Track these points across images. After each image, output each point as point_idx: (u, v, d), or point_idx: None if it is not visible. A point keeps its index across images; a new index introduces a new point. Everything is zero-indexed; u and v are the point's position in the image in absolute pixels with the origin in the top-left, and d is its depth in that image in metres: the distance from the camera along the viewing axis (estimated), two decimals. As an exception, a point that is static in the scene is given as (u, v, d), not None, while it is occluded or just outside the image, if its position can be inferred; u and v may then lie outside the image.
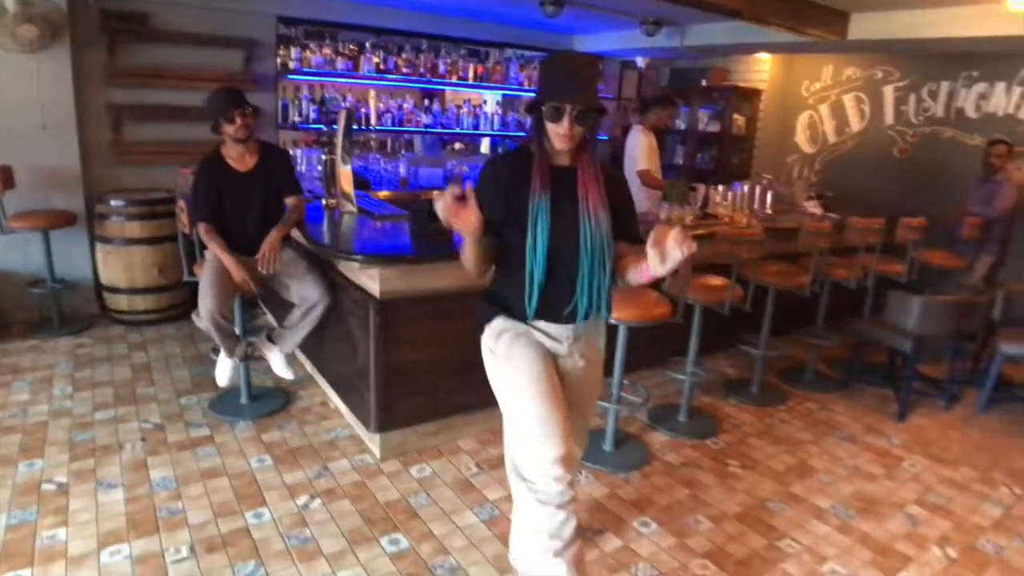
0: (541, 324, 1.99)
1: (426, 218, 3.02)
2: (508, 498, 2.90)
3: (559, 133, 1.81)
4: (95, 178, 4.72)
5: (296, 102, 5.34)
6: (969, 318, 4.21)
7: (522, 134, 6.82)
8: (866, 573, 2.66)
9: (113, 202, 4.50)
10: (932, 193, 5.70)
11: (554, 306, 1.95)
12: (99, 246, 4.59)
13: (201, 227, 3.29)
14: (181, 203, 3.42)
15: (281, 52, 5.28)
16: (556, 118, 1.79)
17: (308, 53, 5.33)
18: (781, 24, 4.34)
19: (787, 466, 3.46)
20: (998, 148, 5.01)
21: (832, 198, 5.33)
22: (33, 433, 3.26)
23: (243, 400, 3.63)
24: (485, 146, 7.07)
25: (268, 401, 3.69)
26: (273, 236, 3.23)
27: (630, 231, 1.99)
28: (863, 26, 4.75)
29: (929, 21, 4.43)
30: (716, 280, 3.64)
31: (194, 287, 4.75)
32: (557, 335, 2.01)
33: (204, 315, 3.19)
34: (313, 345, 3.78)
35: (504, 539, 2.62)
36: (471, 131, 6.48)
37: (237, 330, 3.49)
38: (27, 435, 3.23)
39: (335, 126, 4.67)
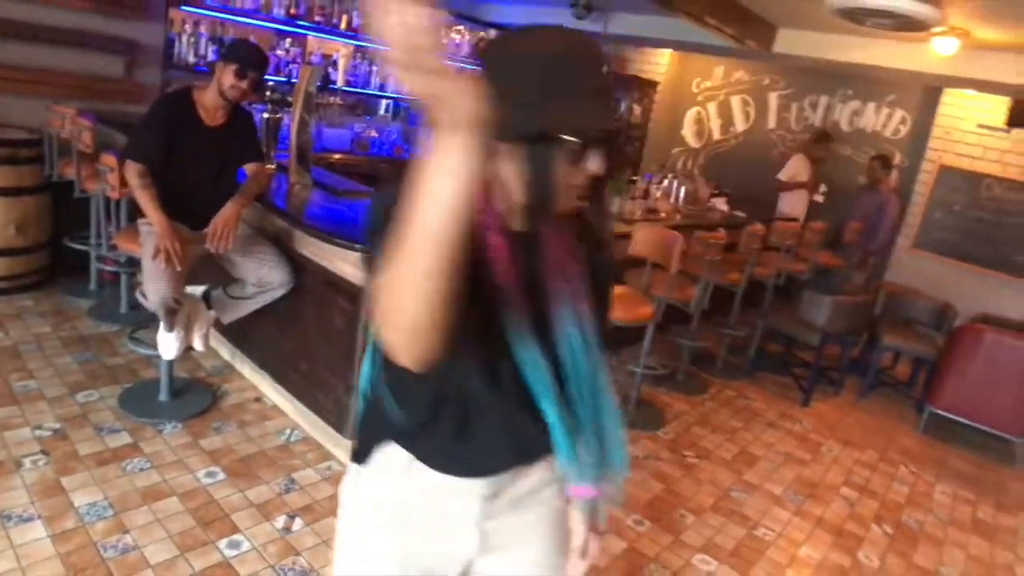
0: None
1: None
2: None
3: (573, 184, 0.95)
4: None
5: (192, 38, 4.52)
6: (863, 316, 4.74)
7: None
8: (834, 555, 2.92)
9: (-44, 143, 3.54)
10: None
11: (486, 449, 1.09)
12: (-69, 197, 3.60)
13: (133, 167, 2.58)
14: (111, 159, 2.74)
15: (173, -23, 4.44)
16: (578, 159, 0.93)
17: (208, -17, 4.54)
18: (727, 33, 4.43)
19: (733, 454, 3.67)
20: (875, 162, 5.55)
21: (733, 195, 5.68)
22: None
23: (163, 397, 3.07)
24: (383, 109, 6.59)
25: (192, 397, 3.15)
26: (230, 209, 2.70)
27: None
28: (789, 41, 5.01)
29: (855, 47, 4.72)
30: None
31: (62, 249, 3.95)
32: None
33: (155, 300, 2.62)
34: (244, 329, 3.29)
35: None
36: (377, 92, 6.00)
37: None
38: None
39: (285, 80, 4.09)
